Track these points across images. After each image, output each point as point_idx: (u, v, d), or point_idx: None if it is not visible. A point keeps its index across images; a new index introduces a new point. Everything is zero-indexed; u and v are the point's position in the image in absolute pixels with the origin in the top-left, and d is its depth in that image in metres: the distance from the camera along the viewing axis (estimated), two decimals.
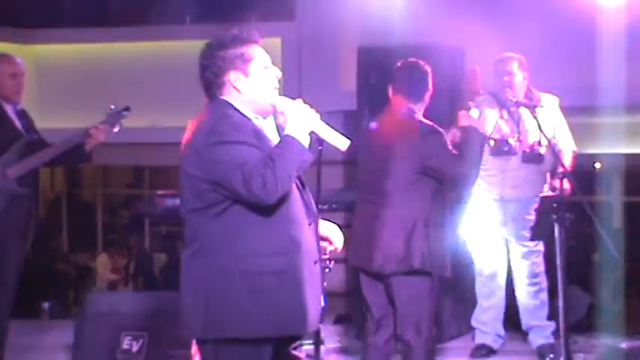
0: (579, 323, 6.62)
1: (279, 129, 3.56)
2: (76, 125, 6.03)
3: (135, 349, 5.80)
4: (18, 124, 5.75)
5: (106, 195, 14.53)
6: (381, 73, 6.79)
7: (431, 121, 5.18)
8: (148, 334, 5.83)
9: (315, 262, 3.51)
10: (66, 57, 10.48)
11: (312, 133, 3.46)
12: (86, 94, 9.74)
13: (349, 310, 7.60)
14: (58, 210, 13.99)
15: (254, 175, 3.27)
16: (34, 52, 10.41)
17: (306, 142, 3.41)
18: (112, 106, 5.83)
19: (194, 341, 3.78)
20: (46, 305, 8.06)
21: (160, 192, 13.62)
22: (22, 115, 5.84)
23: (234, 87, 3.49)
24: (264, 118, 3.55)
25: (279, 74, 3.56)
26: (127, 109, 5.84)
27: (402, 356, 5.10)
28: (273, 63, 3.58)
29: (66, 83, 10.21)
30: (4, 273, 5.56)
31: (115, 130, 5.81)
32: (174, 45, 9.58)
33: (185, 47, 9.10)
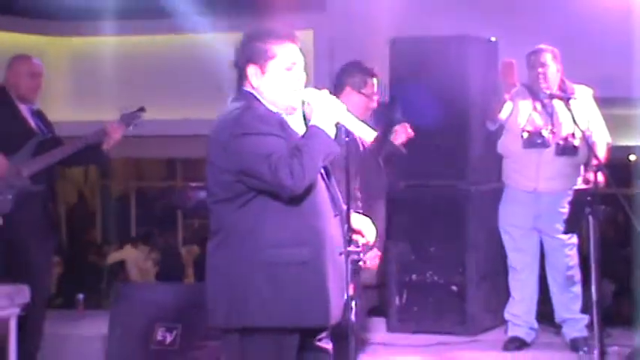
0: (612, 315, 6.58)
1: (306, 120, 3.56)
2: (111, 117, 6.07)
3: (169, 340, 5.84)
4: (32, 123, 5.80)
5: (139, 187, 14.60)
6: (413, 65, 6.79)
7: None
8: (182, 325, 5.87)
9: (341, 254, 3.50)
10: (101, 49, 10.54)
11: (338, 125, 3.47)
12: (121, 87, 9.80)
13: (380, 302, 7.60)
14: (91, 202, 14.08)
15: (281, 165, 3.29)
16: (70, 45, 10.49)
17: (332, 132, 3.42)
18: (126, 108, 5.86)
19: None
20: (80, 296, 8.10)
21: (192, 185, 13.72)
22: (37, 114, 5.90)
23: (249, 82, 3.51)
24: (287, 114, 3.54)
25: (303, 78, 3.55)
26: (141, 109, 5.87)
27: None
28: (306, 55, 3.57)
29: (101, 75, 10.27)
30: (30, 269, 5.61)
31: (130, 129, 5.84)
32: (208, 37, 9.61)
33: (219, 39, 9.14)
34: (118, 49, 10.43)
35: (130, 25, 10.34)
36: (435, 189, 6.80)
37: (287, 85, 3.51)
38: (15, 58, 5.90)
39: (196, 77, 9.70)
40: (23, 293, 4.96)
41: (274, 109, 3.50)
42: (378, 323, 7.07)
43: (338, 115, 3.47)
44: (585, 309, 6.08)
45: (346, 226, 3.55)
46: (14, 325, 4.88)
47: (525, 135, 6.07)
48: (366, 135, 3.52)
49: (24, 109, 5.80)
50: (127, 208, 14.14)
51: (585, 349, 5.91)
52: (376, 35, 7.63)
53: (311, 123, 3.44)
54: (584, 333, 6.12)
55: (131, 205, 14.23)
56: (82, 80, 10.27)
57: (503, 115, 6.19)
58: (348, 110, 3.53)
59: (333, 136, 3.42)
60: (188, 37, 10.09)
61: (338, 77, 5.40)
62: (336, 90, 5.22)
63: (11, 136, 5.67)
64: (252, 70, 3.50)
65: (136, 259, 11.60)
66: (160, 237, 12.77)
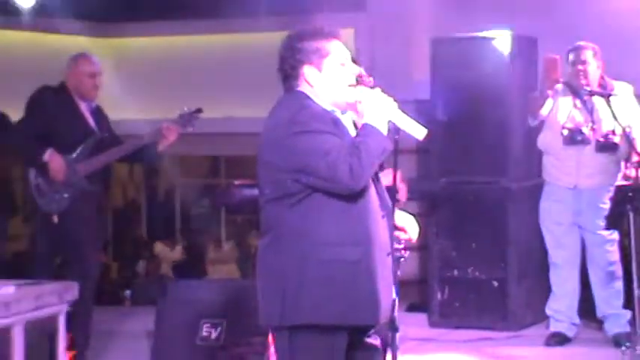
0: None
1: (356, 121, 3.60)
2: (154, 117, 6.16)
3: (214, 335, 5.92)
4: (91, 121, 5.90)
5: (184, 185, 14.71)
6: (454, 63, 6.84)
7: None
8: (226, 321, 5.94)
9: (388, 255, 3.54)
10: (144, 50, 10.65)
11: (389, 122, 3.51)
12: (164, 87, 9.91)
13: (422, 297, 7.64)
14: (137, 199, 14.22)
15: (340, 162, 3.31)
16: (113, 46, 10.60)
17: (385, 130, 3.44)
18: (185, 108, 5.92)
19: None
20: (127, 292, 8.24)
21: (236, 182, 13.81)
22: (97, 112, 5.99)
23: (307, 81, 3.53)
24: (342, 113, 3.58)
25: (356, 71, 3.58)
26: (198, 110, 5.91)
27: None
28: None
29: (144, 76, 10.38)
30: (83, 265, 5.73)
31: (189, 130, 5.90)
32: (250, 37, 9.69)
33: (260, 39, 9.20)
34: (160, 50, 10.54)
35: (172, 26, 10.43)
36: (477, 185, 6.84)
37: (344, 81, 3.54)
38: (75, 58, 5.98)
39: (239, 76, 9.78)
40: (72, 290, 5.02)
41: (328, 108, 3.54)
42: (420, 319, 7.12)
43: (390, 113, 3.50)
44: (627, 304, 6.09)
45: (392, 224, 3.60)
46: (63, 321, 4.94)
47: (565, 132, 6.09)
48: (417, 132, 3.54)
49: (84, 108, 5.90)
50: (172, 204, 14.25)
51: (627, 344, 5.91)
52: (416, 32, 7.67)
53: (364, 121, 3.46)
54: (627, 328, 6.13)
55: (176, 201, 14.34)
56: (124, 81, 10.37)
57: (544, 111, 6.21)
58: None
59: (386, 133, 3.45)
60: (231, 37, 10.17)
61: None
62: None
63: (71, 134, 5.78)
64: (308, 70, 3.51)
65: (165, 254, 11.79)
66: (198, 234, 12.87)
